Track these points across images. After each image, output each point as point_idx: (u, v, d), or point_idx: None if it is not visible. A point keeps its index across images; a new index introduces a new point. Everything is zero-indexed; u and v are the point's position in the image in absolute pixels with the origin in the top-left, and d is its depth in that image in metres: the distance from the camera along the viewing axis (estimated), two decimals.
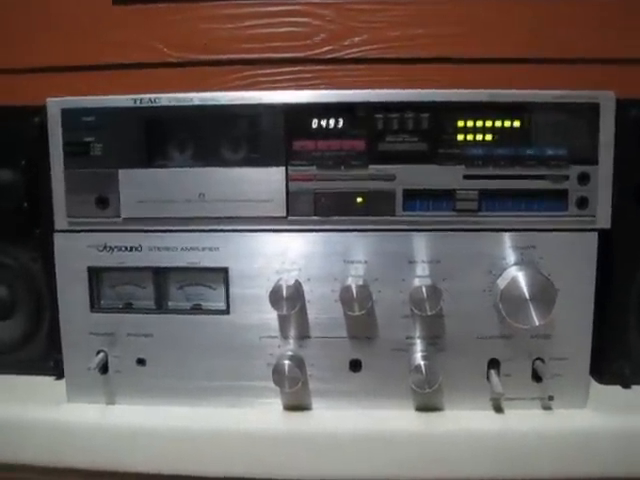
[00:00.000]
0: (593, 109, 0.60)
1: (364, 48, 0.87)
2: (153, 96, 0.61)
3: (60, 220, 0.63)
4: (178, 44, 0.87)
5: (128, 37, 0.88)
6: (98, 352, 0.64)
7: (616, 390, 0.68)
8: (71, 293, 0.64)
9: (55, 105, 0.62)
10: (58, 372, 0.70)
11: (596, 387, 0.67)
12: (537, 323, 0.59)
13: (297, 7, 0.87)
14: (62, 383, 0.68)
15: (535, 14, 0.84)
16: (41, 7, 0.88)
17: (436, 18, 0.85)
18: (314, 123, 0.61)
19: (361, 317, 0.61)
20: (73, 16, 0.87)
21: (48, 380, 0.71)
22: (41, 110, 0.64)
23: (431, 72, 0.86)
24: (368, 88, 0.83)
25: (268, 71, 0.88)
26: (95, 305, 0.64)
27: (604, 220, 0.61)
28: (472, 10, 0.84)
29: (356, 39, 0.87)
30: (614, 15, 0.83)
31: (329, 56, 0.88)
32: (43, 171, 0.65)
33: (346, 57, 0.88)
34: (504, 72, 0.84)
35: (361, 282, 0.60)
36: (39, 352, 0.71)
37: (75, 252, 0.63)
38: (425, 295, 0.59)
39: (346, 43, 0.87)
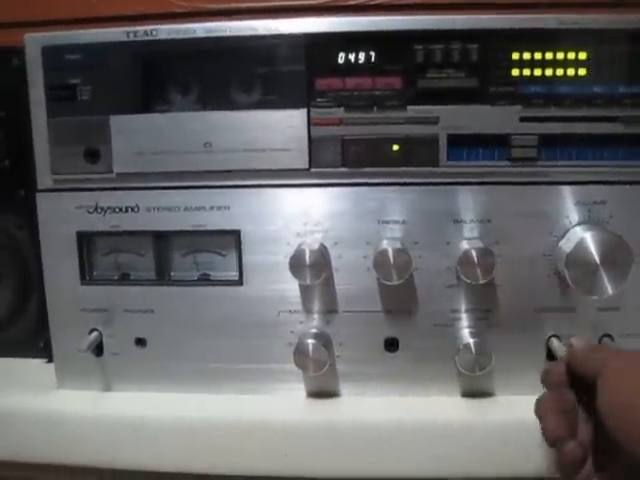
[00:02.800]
0: None
1: None
2: (150, 28, 0.55)
3: (44, 178, 0.58)
4: None
5: None
6: (91, 331, 0.60)
7: None
8: (58, 263, 0.59)
9: (34, 42, 0.56)
10: (48, 354, 0.65)
11: None
12: (610, 292, 0.52)
13: None
14: (53, 367, 0.63)
15: None
16: None
17: None
18: (341, 57, 0.54)
19: (398, 288, 0.55)
20: None
21: (37, 363, 0.67)
22: (20, 52, 0.58)
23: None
24: None
25: (284, 24, 0.82)
26: (86, 277, 0.60)
27: None
28: None
29: None
30: None
31: (351, 3, 0.82)
32: (26, 123, 0.59)
33: (369, 4, 0.81)
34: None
35: (399, 245, 0.54)
36: (27, 331, 0.67)
37: (62, 215, 0.59)
38: (476, 260, 0.53)
39: None
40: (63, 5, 0.80)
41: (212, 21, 0.81)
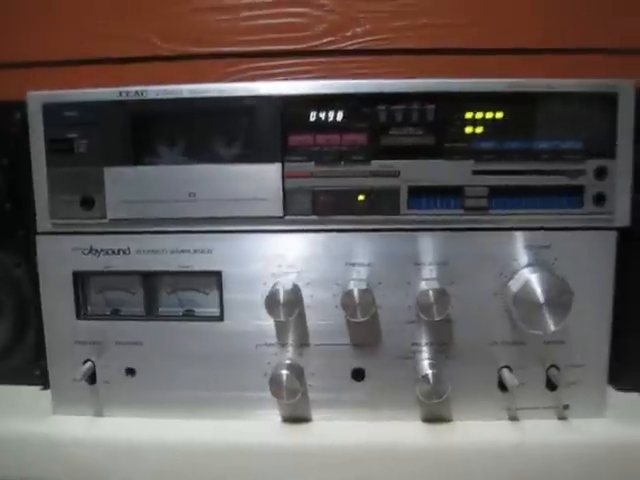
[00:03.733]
0: (611, 99, 0.57)
1: (366, 39, 0.84)
2: (140, 89, 0.58)
3: (43, 222, 0.61)
4: (172, 36, 0.85)
5: (118, 29, 0.85)
6: (85, 361, 0.62)
7: (635, 398, 0.65)
8: (55, 299, 0.62)
9: (36, 99, 0.59)
10: (44, 381, 0.67)
11: (615, 395, 0.65)
12: (553, 329, 0.56)
13: None
14: (48, 393, 0.65)
15: (546, 2, 0.81)
16: (31, 1, 0.86)
17: (440, 8, 0.82)
18: (312, 116, 0.58)
19: (364, 323, 0.58)
20: (59, 6, 0.85)
21: (33, 390, 0.68)
22: (22, 105, 0.61)
23: (435, 63, 0.83)
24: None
25: (266, 64, 0.86)
26: (81, 312, 0.62)
27: (623, 218, 0.58)
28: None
29: (358, 30, 0.84)
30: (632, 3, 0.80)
31: (330, 48, 0.86)
32: (26, 170, 0.62)
33: (347, 49, 0.86)
34: (509, 63, 0.82)
35: (364, 286, 0.57)
36: (24, 360, 0.68)
37: (59, 255, 0.61)
38: (432, 299, 0.57)
39: (348, 34, 0.84)
40: (53, 47, 0.84)
41: (195, 62, 0.86)
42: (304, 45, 0.85)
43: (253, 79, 0.86)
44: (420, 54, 0.84)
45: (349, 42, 0.85)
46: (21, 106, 0.61)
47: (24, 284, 0.67)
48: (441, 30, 0.82)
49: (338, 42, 0.84)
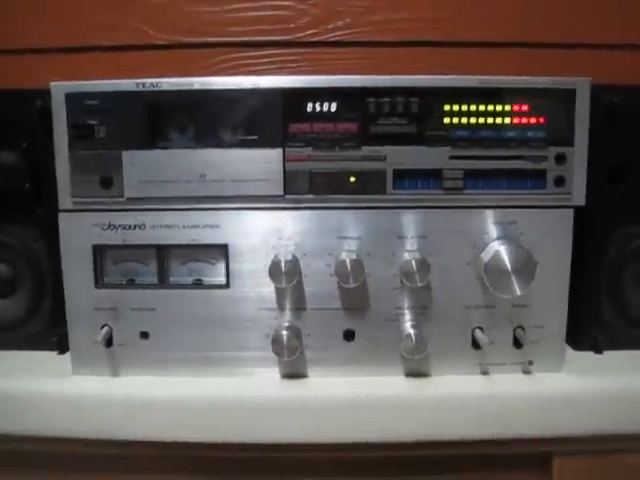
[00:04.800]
0: (570, 94, 0.64)
1: (347, 31, 0.90)
2: (155, 80, 0.63)
3: (65, 200, 0.65)
4: (165, 26, 0.89)
5: (114, 19, 0.89)
6: (102, 326, 0.66)
7: (589, 355, 0.73)
8: (76, 270, 0.66)
9: (59, 89, 0.64)
10: (61, 347, 0.72)
11: (571, 353, 0.72)
12: (519, 293, 0.63)
13: None
14: (65, 357, 0.71)
15: None
16: None
17: (419, 2, 0.88)
18: (309, 107, 0.63)
19: (354, 290, 0.64)
20: None
21: (51, 355, 0.73)
22: (43, 93, 0.66)
23: (413, 55, 0.89)
24: (351, 71, 0.87)
25: (253, 54, 0.91)
26: (99, 281, 0.66)
27: (579, 198, 0.65)
28: None
29: (339, 22, 0.90)
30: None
31: (313, 39, 0.91)
32: (44, 153, 0.67)
33: (329, 40, 0.91)
34: (485, 55, 0.88)
35: (354, 256, 0.63)
36: (42, 328, 0.73)
37: (80, 231, 0.65)
38: (415, 268, 0.62)
39: (330, 26, 0.90)
40: (47, 35, 0.87)
41: (187, 52, 0.91)
42: (289, 37, 0.90)
43: (241, 67, 0.90)
44: (397, 46, 0.90)
45: (331, 34, 0.90)
46: (42, 94, 0.66)
47: (42, 258, 0.72)
48: (417, 24, 0.88)
49: (321, 34, 0.90)
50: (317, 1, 0.89)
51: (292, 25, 0.90)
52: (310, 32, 0.90)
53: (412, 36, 0.90)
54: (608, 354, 0.73)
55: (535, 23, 0.88)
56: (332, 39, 0.91)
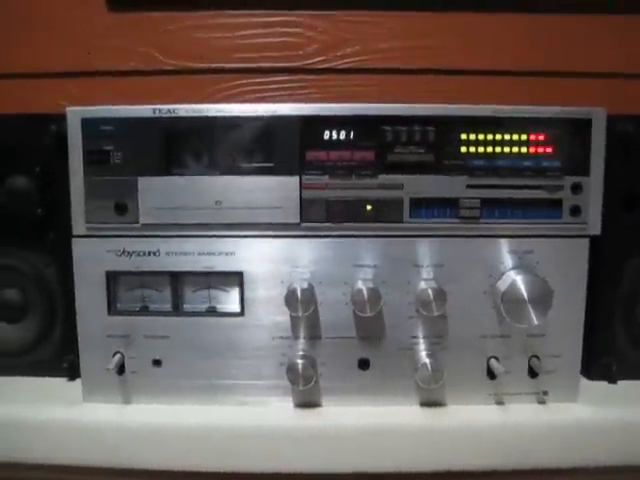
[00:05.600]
0: (586, 124, 0.64)
1: (356, 59, 0.91)
2: (172, 107, 0.64)
3: (79, 226, 0.65)
4: (174, 52, 0.90)
5: (123, 44, 0.90)
6: (115, 354, 0.66)
7: (603, 385, 0.72)
8: (88, 297, 0.66)
9: (75, 114, 0.64)
10: (71, 373, 0.72)
11: (585, 383, 0.71)
12: (536, 323, 0.63)
13: (290, 18, 0.90)
14: (75, 384, 0.71)
15: (530, 27, 0.88)
16: (35, 13, 0.89)
17: (427, 30, 0.89)
18: (326, 135, 0.64)
19: (369, 318, 0.64)
20: (68, 22, 0.89)
21: (61, 381, 0.72)
22: (58, 118, 0.66)
23: (420, 82, 0.90)
24: (359, 97, 0.87)
25: (261, 80, 0.92)
26: (112, 308, 0.66)
27: (595, 227, 0.65)
28: (460, 22, 0.89)
29: (348, 50, 0.90)
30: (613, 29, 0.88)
31: (321, 66, 0.91)
32: (57, 178, 0.68)
33: (338, 67, 0.91)
34: (495, 84, 0.89)
35: (371, 285, 0.63)
36: (52, 354, 0.73)
37: (93, 257, 0.65)
38: (432, 297, 0.63)
39: (338, 54, 0.90)
40: (67, 59, 0.88)
41: (195, 77, 0.91)
42: (298, 63, 0.91)
43: (249, 94, 0.91)
44: (404, 73, 0.91)
45: (339, 61, 0.91)
46: (57, 118, 0.66)
47: (53, 283, 0.72)
48: (424, 52, 0.89)
49: (329, 61, 0.91)
50: (325, 28, 0.90)
51: (300, 52, 0.91)
52: (318, 59, 0.91)
53: (418, 63, 0.90)
54: (622, 384, 0.72)
55: (543, 51, 0.89)
56: (340, 66, 0.91)
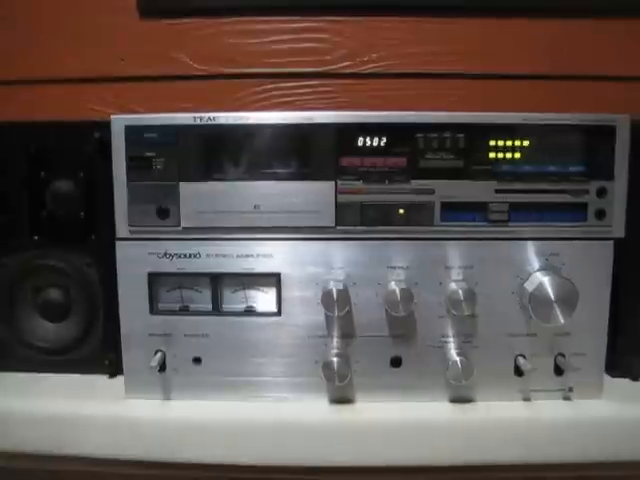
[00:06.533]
0: (610, 130, 0.66)
1: (381, 63, 0.92)
2: (212, 115, 0.66)
3: (122, 229, 0.68)
4: (204, 57, 0.92)
5: (155, 50, 0.92)
6: (156, 352, 0.69)
7: (626, 382, 0.75)
8: (131, 297, 0.69)
9: (119, 122, 0.67)
10: (112, 371, 0.75)
11: (608, 380, 0.73)
12: (562, 322, 0.65)
13: (318, 24, 0.92)
14: (115, 381, 0.74)
15: (552, 32, 0.90)
16: (73, 22, 0.92)
17: (451, 35, 0.91)
18: (360, 141, 0.66)
19: (401, 318, 0.67)
20: (101, 30, 0.92)
21: (102, 378, 0.75)
22: (101, 125, 0.69)
23: (444, 87, 0.92)
24: (384, 102, 0.89)
25: (290, 84, 0.94)
26: (154, 308, 0.69)
27: (619, 230, 0.68)
28: (484, 28, 0.91)
29: (374, 55, 0.92)
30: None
31: (348, 71, 0.93)
32: (99, 182, 0.71)
33: (364, 72, 0.93)
34: (518, 88, 0.90)
35: (404, 286, 0.66)
36: (93, 352, 0.76)
37: (136, 259, 0.68)
38: (462, 297, 0.65)
39: (365, 59, 0.92)
40: (96, 65, 0.90)
41: (225, 82, 0.93)
42: (325, 68, 0.93)
43: (277, 98, 0.93)
44: (428, 77, 0.92)
45: (365, 66, 0.92)
46: (100, 125, 0.69)
47: (95, 284, 0.75)
48: (449, 57, 0.91)
49: (356, 66, 0.92)
50: (352, 34, 0.92)
51: (328, 57, 0.92)
52: (345, 64, 0.93)
53: (443, 68, 0.92)
54: None
55: (570, 56, 0.90)
56: (366, 71, 0.93)
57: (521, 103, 0.88)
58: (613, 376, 0.75)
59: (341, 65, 0.92)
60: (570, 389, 0.70)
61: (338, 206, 0.67)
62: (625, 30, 0.89)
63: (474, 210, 0.67)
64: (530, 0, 0.86)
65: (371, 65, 0.92)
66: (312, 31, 0.92)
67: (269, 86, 0.93)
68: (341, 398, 0.70)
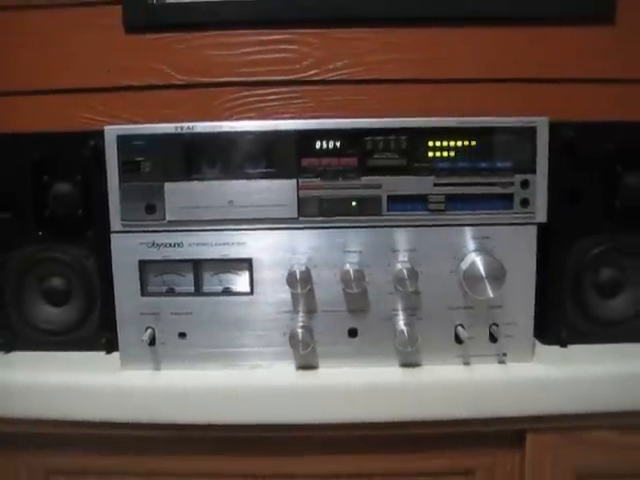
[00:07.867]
0: (532, 131, 0.76)
1: (346, 71, 1.02)
2: (191, 124, 0.76)
3: (115, 223, 0.77)
4: (184, 68, 1.02)
5: (139, 62, 1.02)
6: (147, 328, 0.77)
7: (555, 349, 0.84)
8: (124, 282, 0.77)
9: (112, 132, 0.76)
10: (108, 348, 0.84)
11: (540, 347, 0.83)
12: (491, 295, 0.74)
13: (287, 36, 1.01)
14: (112, 357, 0.83)
15: (494, 39, 1.00)
16: (63, 38, 1.01)
17: (407, 45, 1.01)
18: (318, 145, 0.75)
19: (357, 294, 0.76)
20: (89, 45, 1.01)
21: (100, 354, 0.84)
22: (95, 135, 0.79)
23: (402, 91, 1.01)
24: (350, 107, 0.98)
25: (262, 91, 1.03)
26: (144, 291, 0.77)
27: (541, 216, 0.77)
28: (438, 37, 1.01)
29: (339, 63, 1.01)
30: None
31: (315, 78, 1.02)
32: (95, 184, 0.80)
33: (330, 79, 1.02)
34: (463, 91, 1.01)
35: (357, 267, 0.75)
36: (92, 332, 0.84)
37: (128, 248, 0.77)
38: (406, 276, 0.74)
39: (330, 67, 1.01)
40: (85, 77, 1.00)
41: (203, 90, 1.01)
42: (294, 76, 1.02)
43: (251, 104, 1.02)
44: (389, 83, 1.01)
45: (331, 74, 1.01)
46: (94, 135, 0.79)
47: (92, 272, 0.84)
48: (407, 63, 1.00)
49: (323, 74, 1.01)
50: (319, 44, 1.01)
51: (297, 66, 1.02)
52: (313, 72, 1.02)
53: (401, 75, 1.01)
54: (572, 347, 0.83)
55: (517, 61, 1.01)
56: (332, 78, 1.02)
57: (470, 104, 0.99)
58: (544, 343, 0.84)
59: (309, 73, 1.01)
60: (504, 354, 0.78)
61: (300, 200, 0.76)
62: (558, 37, 0.99)
63: (416, 201, 0.76)
64: (472, 11, 0.97)
65: (336, 73, 1.01)
66: (282, 42, 1.01)
67: (243, 94, 1.02)
68: (306, 365, 0.78)
